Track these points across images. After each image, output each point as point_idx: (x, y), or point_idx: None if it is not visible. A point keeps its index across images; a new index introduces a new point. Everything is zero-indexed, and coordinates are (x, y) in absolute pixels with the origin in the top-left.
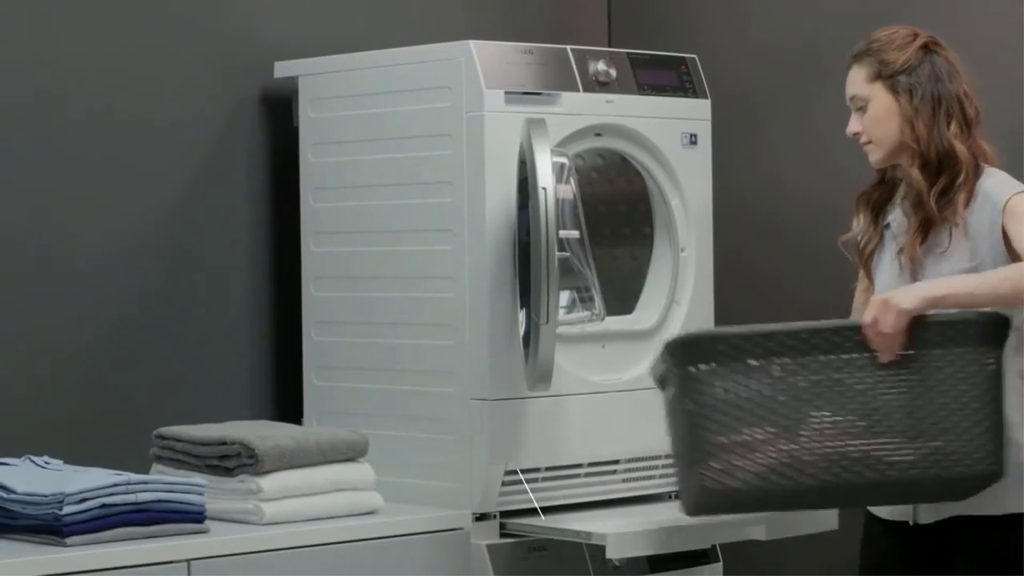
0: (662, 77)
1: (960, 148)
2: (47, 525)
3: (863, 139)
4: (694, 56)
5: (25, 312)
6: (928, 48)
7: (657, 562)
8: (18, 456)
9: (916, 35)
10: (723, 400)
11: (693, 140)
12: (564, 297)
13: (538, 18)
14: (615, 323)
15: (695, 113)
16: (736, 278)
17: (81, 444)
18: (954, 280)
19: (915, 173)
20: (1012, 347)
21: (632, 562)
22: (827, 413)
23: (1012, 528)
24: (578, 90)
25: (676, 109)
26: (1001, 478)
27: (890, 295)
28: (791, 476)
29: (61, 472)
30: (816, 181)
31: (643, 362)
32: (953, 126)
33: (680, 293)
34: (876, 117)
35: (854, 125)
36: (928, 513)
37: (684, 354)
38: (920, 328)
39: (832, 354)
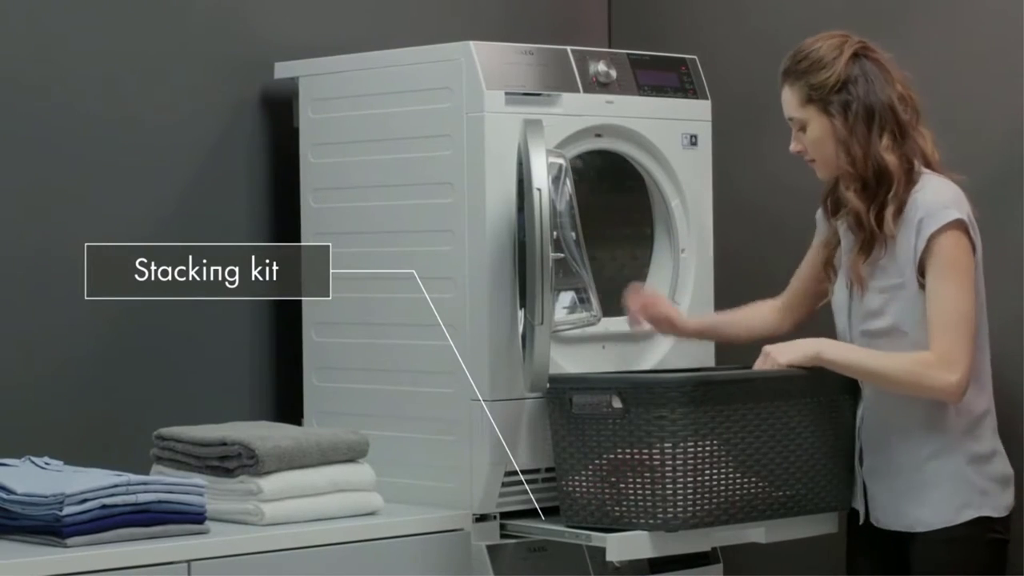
0: (662, 78)
1: (891, 160)
2: (47, 526)
3: (807, 157)
4: (694, 57)
5: (25, 312)
6: (857, 56)
7: (658, 564)
8: (18, 457)
9: (843, 44)
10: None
11: (693, 141)
12: (567, 298)
13: (538, 19)
14: (615, 324)
15: (695, 114)
16: (736, 279)
17: (81, 444)
18: (852, 351)
19: (851, 197)
20: (960, 430)
21: (632, 564)
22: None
23: (945, 542)
24: (578, 91)
25: (676, 110)
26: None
27: (770, 349)
28: None
29: (61, 473)
30: (816, 182)
31: (643, 363)
32: (885, 138)
33: (680, 294)
34: (815, 140)
35: (795, 144)
36: (881, 519)
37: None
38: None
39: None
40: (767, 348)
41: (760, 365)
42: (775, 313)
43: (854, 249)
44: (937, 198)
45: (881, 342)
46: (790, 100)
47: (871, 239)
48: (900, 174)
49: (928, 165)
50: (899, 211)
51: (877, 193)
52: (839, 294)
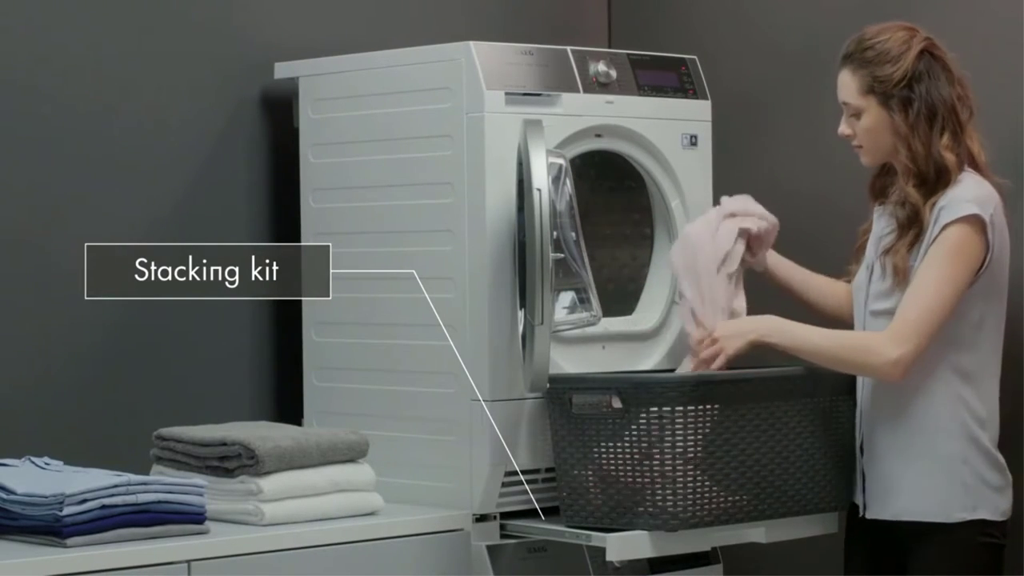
0: (662, 78)
1: (950, 158)
2: (47, 526)
3: (854, 142)
4: (694, 57)
5: (25, 312)
6: (923, 52)
7: (657, 564)
8: (18, 457)
9: (911, 39)
10: None
11: (693, 141)
12: (567, 298)
13: (538, 19)
14: (615, 324)
15: (695, 114)
16: None
17: (81, 445)
18: (799, 330)
19: (912, 192)
20: (958, 430)
21: (632, 564)
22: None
23: (938, 543)
24: (578, 91)
25: (676, 110)
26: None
27: (720, 335)
28: None
29: (61, 473)
30: (817, 181)
31: (643, 363)
32: (946, 137)
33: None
34: (869, 129)
35: (845, 128)
36: (872, 509)
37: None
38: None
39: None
40: (716, 334)
41: (709, 353)
42: (845, 291)
43: (903, 242)
44: (963, 193)
45: (882, 322)
46: (849, 86)
47: (921, 234)
48: (956, 172)
49: (974, 165)
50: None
51: (935, 189)
52: (860, 275)
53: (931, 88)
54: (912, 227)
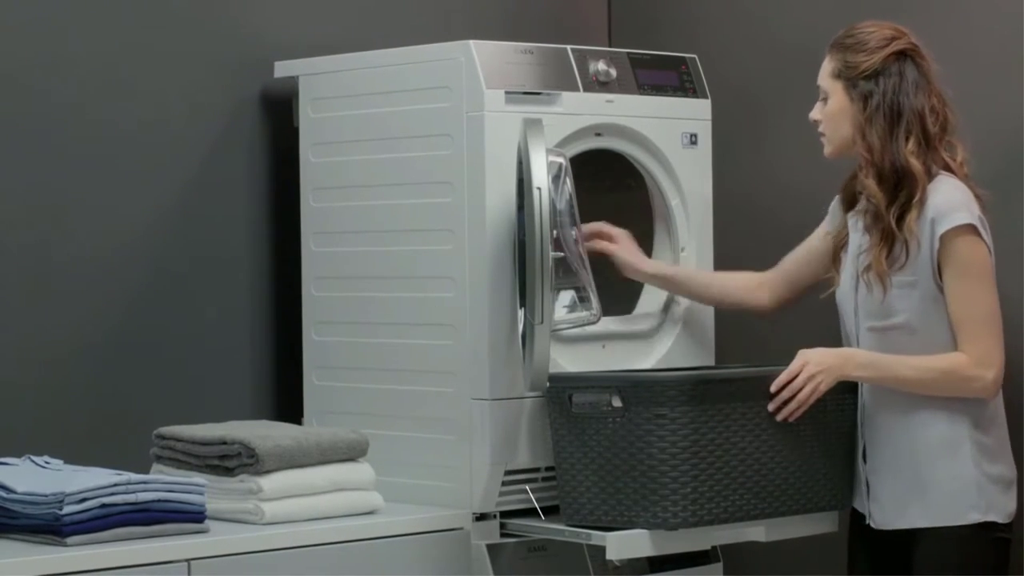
0: (662, 77)
1: (915, 164)
2: (47, 525)
3: (820, 128)
4: (694, 56)
5: (25, 312)
6: (903, 55)
7: (657, 563)
8: (18, 456)
9: (894, 39)
10: None
11: (693, 140)
12: (567, 297)
13: (538, 18)
14: (615, 323)
15: (695, 113)
16: None
17: (81, 444)
18: (886, 363)
19: (871, 185)
20: (966, 427)
21: (632, 563)
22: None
23: (949, 541)
24: (578, 90)
25: (676, 109)
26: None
27: (816, 370)
28: None
29: (61, 472)
30: (817, 181)
31: (643, 363)
32: (911, 143)
33: None
34: (831, 114)
35: (815, 112)
36: (881, 520)
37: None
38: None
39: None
40: (812, 368)
41: (806, 394)
42: (756, 282)
43: (875, 245)
44: (948, 199)
45: (890, 338)
46: (824, 69)
47: (891, 236)
48: (923, 179)
49: (951, 173)
50: (919, 214)
51: (896, 193)
52: (845, 288)
53: (898, 89)
54: (877, 226)
